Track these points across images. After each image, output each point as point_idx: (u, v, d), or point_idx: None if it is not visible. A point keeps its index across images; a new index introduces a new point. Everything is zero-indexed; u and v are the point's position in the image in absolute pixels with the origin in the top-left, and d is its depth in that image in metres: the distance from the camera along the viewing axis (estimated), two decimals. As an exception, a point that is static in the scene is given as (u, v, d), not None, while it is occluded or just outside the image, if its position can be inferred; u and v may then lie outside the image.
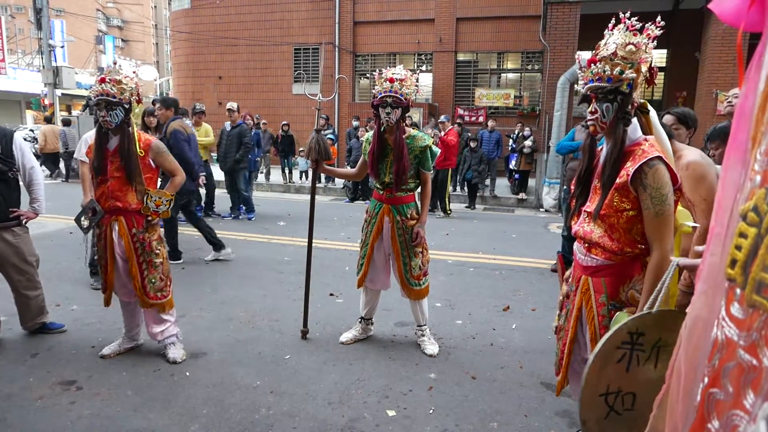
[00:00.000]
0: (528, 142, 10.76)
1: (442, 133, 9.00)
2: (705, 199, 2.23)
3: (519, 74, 15.17)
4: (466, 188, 10.39)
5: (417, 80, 3.20)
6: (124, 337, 3.31)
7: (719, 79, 10.03)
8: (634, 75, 1.77)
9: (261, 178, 11.15)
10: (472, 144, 9.82)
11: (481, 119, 13.60)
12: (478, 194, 10.28)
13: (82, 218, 3.11)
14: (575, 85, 11.32)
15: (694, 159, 2.32)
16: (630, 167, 1.79)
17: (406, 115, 3.20)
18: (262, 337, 3.59)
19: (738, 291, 0.71)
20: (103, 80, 2.91)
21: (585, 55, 1.95)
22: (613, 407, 1.44)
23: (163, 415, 2.59)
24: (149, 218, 3.06)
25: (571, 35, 10.82)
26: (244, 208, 8.19)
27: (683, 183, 2.24)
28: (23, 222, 3.36)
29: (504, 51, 15.07)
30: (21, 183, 3.38)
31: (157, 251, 3.10)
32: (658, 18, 1.81)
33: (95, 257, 3.21)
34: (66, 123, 12.96)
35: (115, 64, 3.04)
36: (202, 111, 8.15)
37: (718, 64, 10.13)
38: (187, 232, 6.86)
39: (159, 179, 3.25)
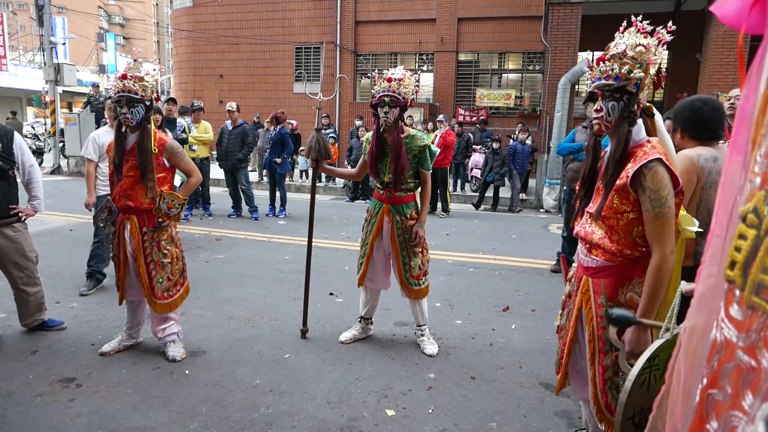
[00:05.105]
0: (527, 141, 10.75)
1: (439, 131, 8.97)
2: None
3: (520, 74, 15.17)
4: (467, 189, 10.35)
5: (417, 80, 3.20)
6: (124, 335, 3.31)
7: (720, 80, 10.02)
8: (642, 75, 1.77)
9: (253, 176, 11.08)
10: (495, 146, 9.67)
11: (482, 119, 13.57)
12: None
13: (99, 217, 3.12)
14: (577, 86, 11.32)
15: (687, 152, 2.28)
16: (630, 169, 1.79)
17: (406, 115, 3.20)
18: (262, 336, 3.59)
19: (737, 292, 0.71)
20: (124, 77, 2.89)
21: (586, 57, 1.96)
22: (638, 425, 1.47)
23: (162, 413, 2.59)
24: (160, 219, 3.05)
25: (572, 36, 10.82)
26: (248, 207, 8.15)
27: None
28: (22, 219, 3.37)
29: (505, 51, 15.07)
30: (18, 180, 3.38)
31: (166, 251, 3.10)
32: (670, 23, 1.81)
33: (111, 255, 3.22)
34: None
35: (135, 60, 3.02)
36: (201, 108, 8.20)
37: (719, 65, 10.13)
38: (187, 230, 6.87)
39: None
